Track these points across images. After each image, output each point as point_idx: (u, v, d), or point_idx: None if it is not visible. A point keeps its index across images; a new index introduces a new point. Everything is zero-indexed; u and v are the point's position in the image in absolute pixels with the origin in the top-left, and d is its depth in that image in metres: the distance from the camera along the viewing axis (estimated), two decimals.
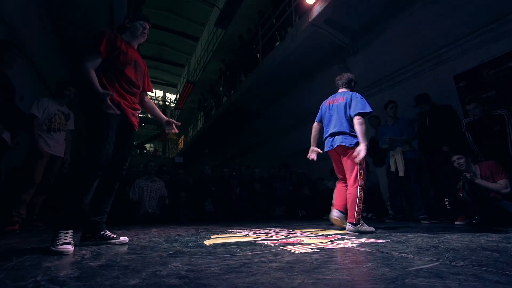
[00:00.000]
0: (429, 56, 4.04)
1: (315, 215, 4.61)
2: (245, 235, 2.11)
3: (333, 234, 2.09)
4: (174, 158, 14.10)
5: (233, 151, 10.80)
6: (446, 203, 2.84)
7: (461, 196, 2.78)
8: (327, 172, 5.56)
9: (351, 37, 4.81)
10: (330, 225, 2.90)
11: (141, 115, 19.69)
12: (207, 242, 1.69)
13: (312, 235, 2.09)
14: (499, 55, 3.24)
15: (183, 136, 18.49)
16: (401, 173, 3.51)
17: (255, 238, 1.93)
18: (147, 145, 19.87)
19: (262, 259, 1.10)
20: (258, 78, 6.65)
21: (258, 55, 7.03)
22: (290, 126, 7.22)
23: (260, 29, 6.70)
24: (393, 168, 3.63)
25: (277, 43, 6.37)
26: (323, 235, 2.03)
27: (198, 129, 13.24)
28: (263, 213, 4.54)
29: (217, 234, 2.22)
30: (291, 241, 1.71)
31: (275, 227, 2.87)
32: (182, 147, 17.56)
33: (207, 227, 2.84)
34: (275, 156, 7.88)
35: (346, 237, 1.90)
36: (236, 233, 2.28)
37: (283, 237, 1.96)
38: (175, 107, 17.63)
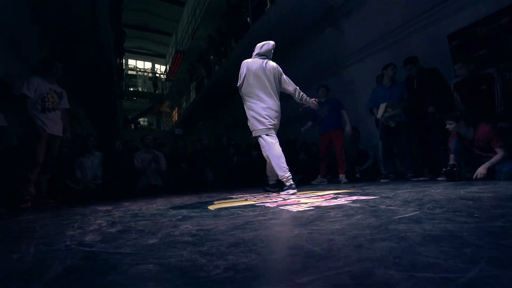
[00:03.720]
0: (424, 14, 3.96)
1: (311, 178, 4.82)
2: (246, 200, 2.26)
3: (327, 194, 2.25)
4: (172, 130, 14.07)
5: (227, 122, 10.81)
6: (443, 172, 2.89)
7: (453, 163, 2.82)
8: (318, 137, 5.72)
9: None
10: (325, 187, 3.09)
11: (131, 89, 19.22)
12: (211, 207, 1.82)
13: (309, 196, 2.25)
14: (493, 12, 3.20)
15: (176, 108, 18.29)
16: (392, 123, 3.65)
17: (255, 201, 2.08)
18: (141, 119, 19.67)
19: (263, 218, 1.23)
20: (249, 44, 6.47)
21: (248, 19, 6.76)
22: (283, 93, 7.19)
23: None
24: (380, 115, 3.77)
25: (267, 7, 6.11)
26: (318, 196, 2.18)
27: (191, 100, 13.08)
28: (261, 180, 4.73)
29: (219, 200, 2.36)
30: (289, 202, 1.85)
31: (274, 191, 3.04)
32: (176, 119, 17.47)
33: (209, 194, 3.00)
34: None
35: (339, 196, 2.05)
36: (237, 199, 2.43)
37: (281, 199, 2.11)
38: (165, 79, 17.18)
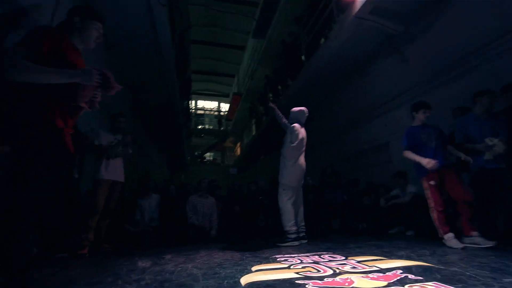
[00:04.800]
0: (508, 35, 3.21)
1: (378, 228, 4.11)
2: (289, 267, 1.93)
3: (393, 269, 1.75)
4: (229, 169, 14.59)
5: None
6: None
7: None
8: (388, 177, 4.95)
9: (404, 23, 4.20)
10: (395, 247, 2.49)
11: (199, 127, 21.04)
12: (243, 281, 1.57)
13: (368, 268, 1.79)
14: None
15: (239, 143, 19.07)
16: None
17: (298, 272, 1.74)
18: (207, 154, 21.07)
19: None
20: (304, 81, 6.38)
21: (302, 57, 6.76)
22: (343, 128, 6.72)
23: (302, 30, 6.43)
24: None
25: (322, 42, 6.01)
26: (380, 270, 1.71)
27: (252, 136, 13.44)
28: (317, 227, 4.25)
29: (261, 263, 2.09)
30: (337, 282, 1.46)
31: (328, 249, 2.61)
32: (239, 153, 18.12)
33: (254, 252, 2.74)
34: (327, 162, 7.44)
35: (409, 276, 1.56)
36: (280, 261, 2.11)
37: (331, 271, 1.72)
38: (226, 119, 18.32)
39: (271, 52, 8.94)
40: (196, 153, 18.48)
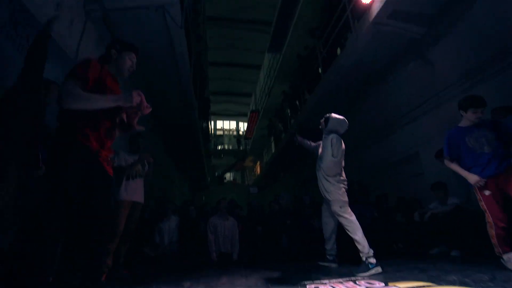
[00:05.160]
0: None
1: (417, 248, 3.69)
2: None
3: None
4: (249, 188, 14.36)
5: (305, 176, 10.28)
6: None
7: None
8: (420, 191, 4.53)
9: (426, 25, 3.98)
10: (441, 270, 2.14)
11: (218, 148, 21.23)
12: None
13: None
14: None
15: (258, 162, 18.91)
16: None
17: None
18: (226, 174, 21.03)
19: None
20: (322, 94, 6.22)
21: (319, 70, 6.64)
22: (367, 140, 6.38)
23: (316, 42, 6.36)
24: None
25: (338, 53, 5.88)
26: None
27: (272, 153, 13.28)
28: (347, 249, 3.89)
29: None
30: None
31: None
32: (259, 172, 17.91)
33: (280, 274, 2.49)
34: (352, 178, 7.07)
35: None
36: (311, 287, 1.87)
37: None
38: (244, 137, 18.37)
39: (287, 67, 8.95)
40: (216, 174, 18.48)
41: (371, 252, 2.44)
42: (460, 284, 1.82)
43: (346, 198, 2.68)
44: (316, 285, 2.00)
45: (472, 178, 2.21)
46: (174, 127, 7.19)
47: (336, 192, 2.66)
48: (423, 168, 4.73)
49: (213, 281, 2.33)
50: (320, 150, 2.94)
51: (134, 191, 3.01)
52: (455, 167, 2.36)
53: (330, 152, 2.69)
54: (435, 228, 3.48)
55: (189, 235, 3.75)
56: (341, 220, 2.62)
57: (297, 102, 8.43)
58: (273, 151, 12.83)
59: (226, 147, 21.91)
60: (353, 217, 2.60)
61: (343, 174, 2.78)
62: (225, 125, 23.65)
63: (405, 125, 5.11)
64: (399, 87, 5.03)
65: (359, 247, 2.49)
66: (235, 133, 22.85)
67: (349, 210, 2.65)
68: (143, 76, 4.99)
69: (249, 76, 16.74)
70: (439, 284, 1.79)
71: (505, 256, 2.09)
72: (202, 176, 13.33)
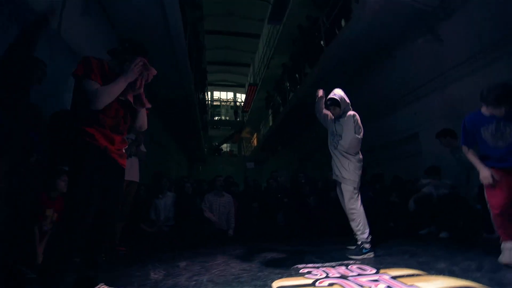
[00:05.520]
0: None
1: (408, 228, 3.79)
2: (314, 283, 1.71)
3: None
4: (246, 163, 14.40)
5: (303, 152, 10.30)
6: None
7: None
8: (416, 172, 4.55)
9: None
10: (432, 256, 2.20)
11: (215, 119, 20.99)
12: None
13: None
14: None
15: (255, 134, 18.88)
16: None
17: None
18: (223, 146, 21.10)
19: None
20: (324, 68, 5.98)
21: (321, 43, 6.32)
22: (366, 117, 6.27)
23: (320, 13, 5.98)
24: None
25: (343, 25, 5.55)
26: None
27: (269, 126, 13.19)
28: (341, 227, 3.99)
29: (282, 275, 1.89)
30: None
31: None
32: (255, 144, 17.95)
33: (275, 256, 2.55)
34: None
35: None
36: (303, 274, 1.91)
37: None
38: (241, 110, 18.09)
39: (287, 38, 8.52)
40: (213, 144, 18.50)
41: (369, 238, 2.48)
42: (449, 273, 1.86)
43: (359, 182, 2.60)
44: (309, 269, 2.05)
45: (482, 173, 2.04)
46: (170, 100, 6.99)
47: (355, 172, 2.56)
48: (422, 149, 4.71)
49: (208, 261, 2.37)
50: (333, 126, 2.74)
51: (129, 171, 2.96)
52: (471, 157, 2.14)
53: (353, 129, 2.57)
54: (427, 210, 3.56)
55: (185, 212, 3.79)
56: (349, 203, 2.55)
57: (297, 75, 8.16)
58: (270, 124, 12.72)
59: (223, 118, 21.70)
60: (360, 204, 2.56)
61: (361, 154, 2.68)
62: (222, 95, 23.21)
63: (407, 104, 4.99)
64: (404, 64, 4.83)
65: (358, 232, 2.50)
66: (232, 104, 22.51)
67: (359, 196, 2.60)
68: None
69: (247, 45, 16.04)
70: (429, 273, 1.83)
71: (502, 245, 2.04)
72: (199, 148, 13.34)
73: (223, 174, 4.47)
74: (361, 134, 2.60)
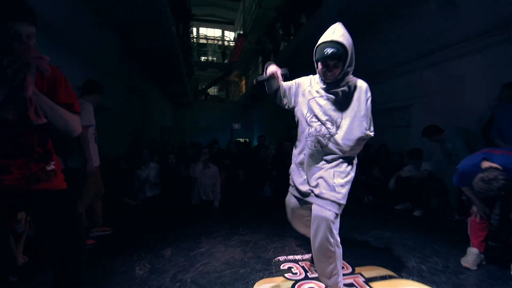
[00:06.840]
0: None
1: (385, 201, 3.99)
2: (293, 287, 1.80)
3: None
4: (232, 124, 13.84)
5: (291, 123, 9.98)
6: None
7: None
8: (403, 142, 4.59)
9: None
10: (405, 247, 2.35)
11: (202, 59, 19.54)
12: None
13: None
14: None
15: (244, 79, 18.05)
16: None
17: None
18: (210, 89, 20.25)
19: None
20: (322, 20, 5.37)
21: None
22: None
23: None
24: None
25: None
26: None
27: (258, 74, 12.54)
28: None
29: (264, 273, 2.00)
30: None
31: None
32: (244, 91, 17.31)
33: (257, 242, 2.64)
34: None
35: None
36: (284, 270, 2.03)
37: None
38: (229, 60, 16.77)
39: None
40: (199, 88, 17.68)
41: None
42: (418, 272, 2.04)
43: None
44: (289, 265, 2.17)
45: (478, 207, 2.11)
46: (149, 49, 6.30)
47: (347, 186, 1.58)
48: (411, 122, 4.66)
49: (193, 250, 2.44)
50: (315, 102, 1.63)
51: (96, 155, 2.63)
52: (467, 192, 2.12)
53: (366, 116, 1.54)
54: (405, 187, 3.71)
55: (170, 182, 3.76)
56: (327, 235, 1.50)
57: (292, 24, 7.40)
58: (260, 73, 12.06)
59: (210, 58, 20.26)
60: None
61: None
62: (209, 32, 21.23)
63: (406, 73, 4.71)
64: (412, 26, 4.38)
65: (333, 277, 1.61)
66: (220, 43, 20.79)
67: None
68: None
69: None
70: (400, 275, 1.98)
71: (468, 248, 2.16)
72: (184, 93, 12.73)
73: (209, 120, 4.31)
74: (372, 129, 1.57)
